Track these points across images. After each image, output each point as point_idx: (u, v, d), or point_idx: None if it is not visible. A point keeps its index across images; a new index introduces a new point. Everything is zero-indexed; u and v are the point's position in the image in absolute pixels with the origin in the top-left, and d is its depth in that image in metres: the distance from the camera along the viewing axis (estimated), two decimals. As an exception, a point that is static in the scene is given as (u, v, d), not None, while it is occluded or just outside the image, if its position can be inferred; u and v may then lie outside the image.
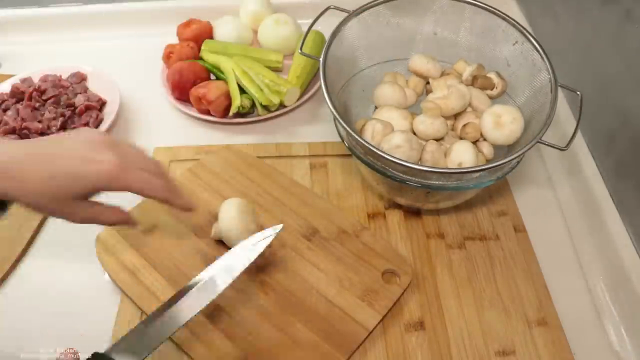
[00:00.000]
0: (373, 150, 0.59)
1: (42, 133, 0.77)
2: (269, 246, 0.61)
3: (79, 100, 0.83)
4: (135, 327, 0.51)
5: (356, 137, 0.60)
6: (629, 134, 0.65)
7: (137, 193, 0.51)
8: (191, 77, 0.84)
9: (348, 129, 0.61)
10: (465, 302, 0.63)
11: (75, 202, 0.48)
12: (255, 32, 0.97)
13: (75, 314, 0.62)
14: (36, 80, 0.86)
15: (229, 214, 0.62)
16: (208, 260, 0.63)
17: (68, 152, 0.47)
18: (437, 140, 0.67)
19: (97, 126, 0.81)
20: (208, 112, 0.83)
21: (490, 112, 0.65)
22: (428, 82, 0.74)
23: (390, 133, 0.64)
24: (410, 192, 0.67)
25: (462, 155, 0.63)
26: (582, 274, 0.67)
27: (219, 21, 0.95)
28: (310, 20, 0.72)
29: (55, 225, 0.71)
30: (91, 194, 0.49)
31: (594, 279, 0.66)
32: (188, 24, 0.94)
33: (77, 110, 0.81)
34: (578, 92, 0.64)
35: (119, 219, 0.54)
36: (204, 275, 0.53)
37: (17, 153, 0.46)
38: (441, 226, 0.70)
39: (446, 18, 0.74)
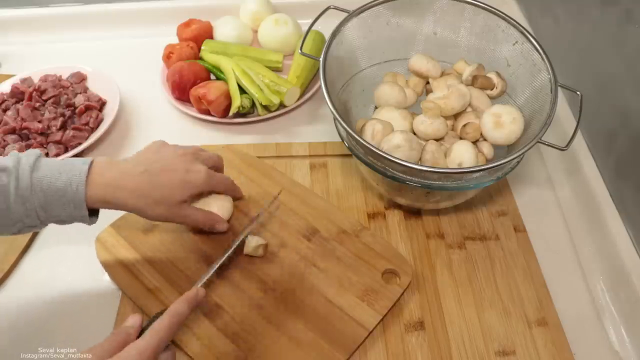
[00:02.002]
0: (373, 150, 0.59)
1: (42, 133, 0.78)
2: (267, 245, 0.64)
3: (79, 100, 0.83)
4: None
5: (356, 137, 0.60)
6: (629, 134, 0.65)
7: (217, 191, 0.64)
8: (191, 77, 0.84)
9: (348, 129, 0.61)
10: (465, 302, 0.63)
11: (179, 206, 0.58)
12: (255, 32, 0.97)
13: (75, 314, 0.62)
14: (36, 80, 0.86)
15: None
16: (207, 260, 0.64)
17: (174, 166, 0.58)
18: (437, 140, 0.67)
19: (97, 126, 0.81)
20: (208, 112, 0.83)
21: (490, 112, 0.65)
22: (428, 82, 0.74)
23: (390, 133, 0.64)
24: (410, 192, 0.67)
25: (462, 155, 0.63)
26: (582, 274, 0.67)
27: (219, 21, 0.95)
28: (310, 20, 0.72)
29: (56, 226, 0.71)
30: (191, 197, 0.60)
31: (594, 279, 0.66)
32: (188, 24, 0.94)
33: (77, 110, 0.81)
34: (578, 92, 0.64)
35: (208, 219, 0.63)
36: None
37: (138, 170, 0.55)
38: (441, 226, 0.70)
39: (446, 18, 0.74)
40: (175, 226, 0.67)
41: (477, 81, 0.70)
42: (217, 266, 0.60)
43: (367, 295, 0.61)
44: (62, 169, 0.52)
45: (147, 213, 0.57)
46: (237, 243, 0.62)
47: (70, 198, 0.51)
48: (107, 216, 0.68)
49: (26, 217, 0.51)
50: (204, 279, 0.58)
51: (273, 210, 0.67)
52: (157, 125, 0.85)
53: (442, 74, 0.74)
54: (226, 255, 0.61)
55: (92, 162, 0.54)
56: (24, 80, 0.86)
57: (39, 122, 0.78)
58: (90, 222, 0.55)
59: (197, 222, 0.62)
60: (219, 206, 0.65)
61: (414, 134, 0.67)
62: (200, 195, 0.63)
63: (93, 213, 0.55)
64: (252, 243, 0.62)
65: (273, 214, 0.67)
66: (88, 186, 0.52)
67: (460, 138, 0.68)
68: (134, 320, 0.50)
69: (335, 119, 0.63)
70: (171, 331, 0.48)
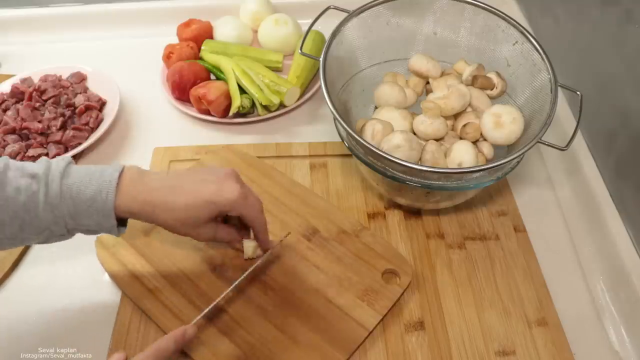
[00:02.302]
0: (373, 150, 0.59)
1: (42, 133, 0.77)
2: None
3: (79, 100, 0.83)
4: None
5: (356, 137, 0.60)
6: (629, 134, 0.65)
7: (247, 220, 0.58)
8: (191, 77, 0.84)
9: (348, 129, 0.61)
10: (465, 302, 0.63)
11: (206, 225, 0.55)
12: (255, 32, 0.97)
13: (75, 314, 0.62)
14: (36, 80, 0.86)
15: None
16: (208, 260, 0.64)
17: (206, 183, 0.54)
18: (437, 140, 0.67)
19: (97, 126, 0.81)
20: (208, 112, 0.83)
21: (490, 112, 0.65)
22: (428, 82, 0.74)
23: (390, 133, 0.64)
24: (410, 192, 0.67)
25: (462, 155, 0.63)
26: (582, 274, 0.67)
27: (219, 21, 0.95)
28: (310, 20, 0.72)
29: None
30: (217, 217, 0.57)
31: (594, 279, 0.66)
32: (188, 24, 0.94)
33: (77, 110, 0.81)
34: (578, 92, 0.64)
35: (231, 237, 0.60)
36: None
37: (168, 185, 0.54)
38: (441, 226, 0.70)
39: (446, 18, 0.74)
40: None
41: (477, 81, 0.70)
42: (216, 302, 0.57)
43: (367, 295, 0.61)
44: (92, 176, 0.51)
45: (172, 228, 0.54)
46: (240, 279, 0.60)
47: (99, 206, 0.50)
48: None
49: (54, 225, 0.50)
50: (200, 316, 0.56)
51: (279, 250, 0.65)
52: (157, 125, 0.85)
53: (442, 74, 0.74)
54: (228, 290, 0.59)
55: (122, 170, 0.52)
56: (24, 80, 0.86)
57: (39, 122, 0.78)
58: (119, 233, 0.54)
59: (221, 240, 0.59)
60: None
61: (414, 134, 0.67)
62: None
63: (121, 223, 0.54)
64: (250, 249, 0.61)
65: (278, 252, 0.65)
66: (117, 195, 0.51)
67: (460, 138, 0.68)
68: (118, 357, 0.49)
69: (335, 119, 0.63)
70: None
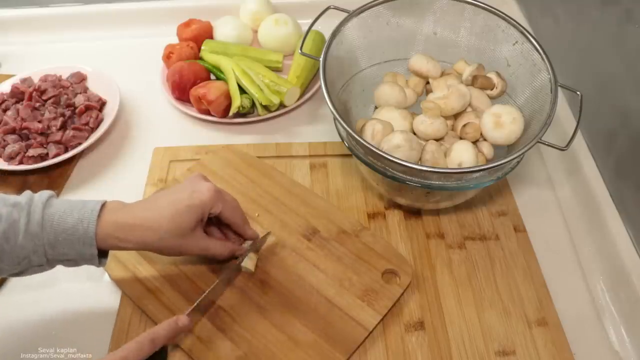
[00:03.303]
0: (373, 150, 0.59)
1: (42, 133, 0.77)
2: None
3: (79, 100, 0.83)
4: None
5: (356, 137, 0.60)
6: (629, 134, 0.65)
7: (227, 216, 0.59)
8: (191, 77, 0.84)
9: (348, 129, 0.61)
10: (465, 302, 0.63)
11: (193, 234, 0.56)
12: (255, 32, 0.97)
13: (75, 314, 0.62)
14: (36, 80, 0.86)
15: None
16: (208, 260, 0.64)
17: (179, 192, 0.56)
18: (437, 140, 0.67)
19: (97, 126, 0.81)
20: (208, 112, 0.83)
21: (490, 112, 0.65)
22: (428, 82, 0.74)
23: (390, 133, 0.64)
24: (410, 192, 0.67)
25: (462, 155, 0.63)
26: (582, 274, 0.67)
27: (219, 21, 0.95)
28: (310, 20, 0.72)
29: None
30: (202, 221, 0.57)
31: (594, 279, 0.66)
32: (188, 24, 0.94)
33: (77, 110, 0.81)
34: (578, 92, 0.64)
35: (226, 249, 0.60)
36: None
37: (146, 207, 0.54)
38: (441, 226, 0.70)
39: (446, 18, 0.74)
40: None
41: (477, 81, 0.70)
42: (204, 294, 0.58)
43: (367, 295, 0.61)
44: (74, 207, 0.51)
45: (161, 248, 0.55)
46: (223, 276, 0.60)
47: (80, 234, 0.50)
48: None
49: (33, 254, 0.50)
50: (191, 308, 0.56)
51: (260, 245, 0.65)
52: (157, 125, 0.85)
53: (442, 74, 0.74)
54: (212, 286, 0.59)
55: (104, 203, 0.53)
56: (24, 80, 0.86)
57: (39, 122, 0.78)
58: (100, 264, 0.54)
59: (215, 253, 0.59)
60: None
61: (414, 134, 0.67)
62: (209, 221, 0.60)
63: (102, 255, 0.54)
64: (249, 264, 0.62)
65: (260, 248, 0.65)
66: (99, 223, 0.51)
67: (460, 138, 0.68)
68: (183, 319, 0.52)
69: (335, 119, 0.63)
70: (140, 349, 0.48)
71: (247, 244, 0.63)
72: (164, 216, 0.53)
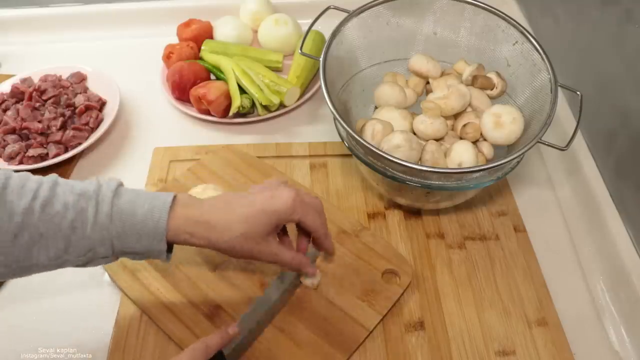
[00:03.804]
0: (373, 150, 0.59)
1: (42, 133, 0.77)
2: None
3: (79, 100, 0.83)
4: None
5: (356, 137, 0.60)
6: (629, 134, 0.65)
7: (307, 225, 0.55)
8: (191, 77, 0.84)
9: (348, 129, 0.61)
10: (465, 302, 0.63)
11: (266, 239, 0.52)
12: (255, 32, 0.97)
13: (75, 314, 0.62)
14: (36, 80, 0.86)
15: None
16: (208, 260, 0.64)
17: (257, 195, 0.53)
18: (437, 140, 0.67)
19: (97, 126, 0.81)
20: (208, 112, 0.83)
21: (490, 112, 0.65)
22: (428, 82, 0.74)
23: (390, 133, 0.64)
24: (410, 192, 0.67)
25: (462, 155, 0.63)
26: (582, 274, 0.67)
27: (219, 21, 0.95)
28: (310, 20, 0.72)
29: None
30: (277, 228, 0.54)
31: (594, 279, 0.66)
32: (188, 24, 0.94)
33: (77, 110, 0.81)
34: (578, 92, 0.64)
35: (296, 261, 0.56)
36: None
37: (222, 204, 0.52)
38: (441, 226, 0.70)
39: (446, 18, 0.74)
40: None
41: (477, 81, 0.70)
42: (273, 300, 0.58)
43: (367, 295, 0.61)
44: (145, 198, 0.49)
45: (231, 249, 0.51)
46: (279, 291, 0.59)
47: (150, 228, 0.48)
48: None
49: (100, 246, 0.48)
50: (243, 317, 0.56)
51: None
52: (157, 125, 0.85)
53: (442, 74, 0.74)
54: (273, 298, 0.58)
55: (175, 196, 0.51)
56: (24, 80, 0.86)
57: (39, 122, 0.78)
58: (167, 259, 0.51)
59: (285, 262, 0.55)
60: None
61: (414, 134, 0.67)
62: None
63: (169, 249, 0.52)
64: (316, 280, 0.61)
65: None
66: (170, 217, 0.49)
67: (460, 138, 0.68)
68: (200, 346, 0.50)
69: (335, 119, 0.63)
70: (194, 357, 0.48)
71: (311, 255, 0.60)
72: (239, 217, 0.51)
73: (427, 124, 0.66)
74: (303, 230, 0.57)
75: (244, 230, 0.51)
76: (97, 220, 0.47)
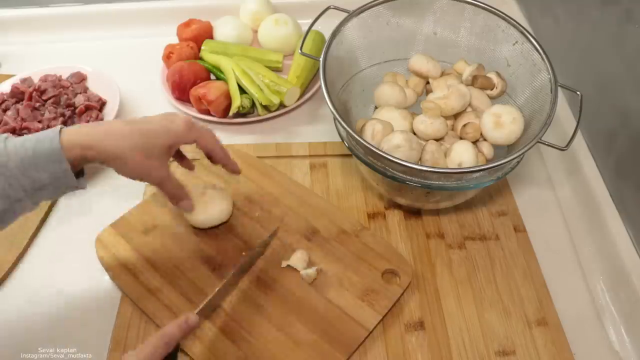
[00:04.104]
0: (373, 150, 0.59)
1: (42, 133, 0.77)
2: (269, 245, 0.64)
3: (79, 100, 0.83)
4: None
5: (356, 137, 0.60)
6: (629, 134, 0.65)
7: (204, 145, 0.59)
8: (191, 77, 0.84)
9: (348, 129, 0.61)
10: (465, 302, 0.63)
11: (159, 158, 0.55)
12: (255, 32, 0.97)
13: (75, 314, 0.62)
14: (36, 80, 0.86)
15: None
16: (207, 260, 0.64)
17: (155, 117, 0.56)
18: (437, 140, 0.67)
19: (97, 126, 0.81)
20: (208, 112, 0.83)
21: (490, 112, 0.65)
22: (428, 82, 0.74)
23: (390, 133, 0.64)
24: (410, 192, 0.67)
25: (462, 155, 0.63)
26: (582, 274, 0.67)
27: (219, 21, 0.95)
28: (310, 20, 0.72)
29: (55, 225, 0.71)
30: (172, 149, 0.57)
31: (594, 279, 0.66)
32: (188, 24, 0.94)
33: (77, 110, 0.81)
34: (578, 92, 0.64)
35: (177, 191, 0.60)
36: None
37: (118, 122, 0.54)
38: (441, 226, 0.70)
39: (446, 18, 0.74)
40: (175, 226, 0.67)
41: (477, 81, 0.70)
42: (216, 290, 0.58)
43: (367, 295, 0.61)
44: (35, 134, 0.50)
45: (127, 160, 0.52)
46: (230, 276, 0.60)
47: (46, 149, 0.49)
48: (108, 216, 0.68)
49: (9, 188, 0.48)
50: (201, 305, 0.56)
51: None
52: (157, 125, 0.85)
53: (442, 74, 0.74)
54: (221, 284, 0.59)
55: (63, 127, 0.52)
56: (24, 80, 0.86)
57: (39, 122, 0.78)
58: (78, 185, 0.52)
59: (167, 189, 0.58)
60: (217, 205, 0.65)
61: (414, 134, 0.67)
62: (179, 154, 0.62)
63: (77, 175, 0.52)
64: (310, 274, 0.62)
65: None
66: (63, 135, 0.50)
67: (460, 138, 0.68)
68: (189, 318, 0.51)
69: (335, 119, 0.63)
70: (154, 353, 0.48)
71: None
72: (139, 130, 0.53)
73: (427, 124, 0.66)
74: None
75: (141, 142, 0.53)
76: None
